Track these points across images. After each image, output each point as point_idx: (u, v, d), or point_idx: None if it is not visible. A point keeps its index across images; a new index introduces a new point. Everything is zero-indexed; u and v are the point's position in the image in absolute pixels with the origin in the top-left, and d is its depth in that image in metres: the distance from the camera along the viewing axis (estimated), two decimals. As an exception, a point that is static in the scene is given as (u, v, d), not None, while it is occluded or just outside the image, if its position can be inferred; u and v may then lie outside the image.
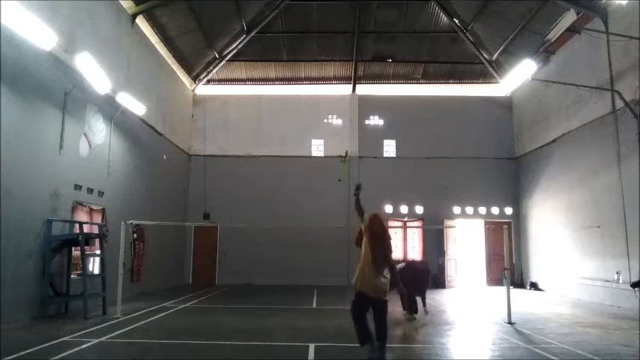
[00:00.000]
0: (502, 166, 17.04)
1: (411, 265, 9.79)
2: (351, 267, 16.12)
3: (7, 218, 7.18)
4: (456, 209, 16.81)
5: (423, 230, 16.76)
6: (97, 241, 9.64)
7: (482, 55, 16.57)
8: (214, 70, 17.28)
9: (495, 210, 16.79)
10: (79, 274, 8.99)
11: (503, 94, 17.44)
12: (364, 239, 5.51)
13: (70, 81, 8.92)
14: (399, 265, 9.54)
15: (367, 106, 17.61)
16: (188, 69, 16.39)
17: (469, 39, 16.28)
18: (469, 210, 16.78)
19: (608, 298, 11.20)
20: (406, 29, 16.35)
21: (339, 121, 17.60)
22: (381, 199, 16.80)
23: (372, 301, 5.37)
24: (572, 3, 12.03)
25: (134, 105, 11.32)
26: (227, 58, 16.92)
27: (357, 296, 5.45)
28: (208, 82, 17.68)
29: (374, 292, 5.32)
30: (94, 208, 10.07)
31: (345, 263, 15.94)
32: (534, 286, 15.07)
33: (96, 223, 9.95)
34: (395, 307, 10.57)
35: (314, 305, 11.12)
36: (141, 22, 12.51)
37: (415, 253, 16.82)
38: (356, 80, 17.70)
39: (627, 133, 10.68)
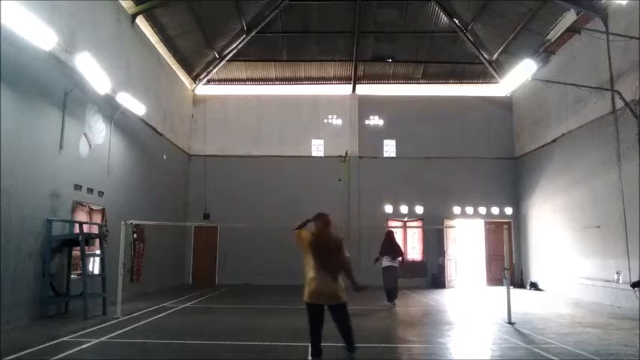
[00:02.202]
0: (502, 166, 17.04)
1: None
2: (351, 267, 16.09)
3: (7, 218, 7.18)
4: (456, 209, 16.81)
5: (423, 230, 16.77)
6: (97, 241, 9.64)
7: (482, 55, 16.57)
8: (214, 70, 17.28)
9: (495, 210, 16.80)
10: (79, 274, 8.99)
11: (503, 94, 17.43)
12: (306, 247, 5.20)
13: (70, 81, 8.91)
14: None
15: (367, 106, 17.61)
16: (188, 69, 16.40)
17: (469, 39, 16.28)
18: (469, 210, 16.78)
19: (608, 298, 11.20)
20: (406, 29, 16.35)
21: (339, 121, 17.60)
22: (381, 199, 16.83)
23: (330, 309, 5.14)
24: (572, 3, 12.03)
25: (134, 105, 11.31)
26: (227, 58, 16.92)
27: (308, 309, 5.22)
28: (208, 82, 17.68)
29: (327, 299, 5.09)
30: (94, 208, 10.07)
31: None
32: (534, 286, 15.06)
33: (96, 223, 9.95)
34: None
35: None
36: (141, 22, 12.51)
37: (415, 253, 16.82)
38: (356, 80, 17.70)
39: (627, 133, 10.67)
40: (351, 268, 5.23)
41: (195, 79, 17.26)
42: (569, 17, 12.49)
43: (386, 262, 10.86)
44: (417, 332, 7.67)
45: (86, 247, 8.74)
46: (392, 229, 11.91)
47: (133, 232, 11.76)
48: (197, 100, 17.59)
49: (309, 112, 17.66)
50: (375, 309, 10.60)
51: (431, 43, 16.90)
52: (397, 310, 10.42)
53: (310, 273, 5.09)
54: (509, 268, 9.24)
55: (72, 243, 8.73)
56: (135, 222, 9.93)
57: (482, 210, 16.78)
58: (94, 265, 9.91)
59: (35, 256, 7.94)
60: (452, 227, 16.39)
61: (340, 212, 16.50)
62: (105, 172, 10.58)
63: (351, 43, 16.62)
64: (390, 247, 10.97)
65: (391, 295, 10.77)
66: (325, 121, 17.65)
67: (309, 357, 5.29)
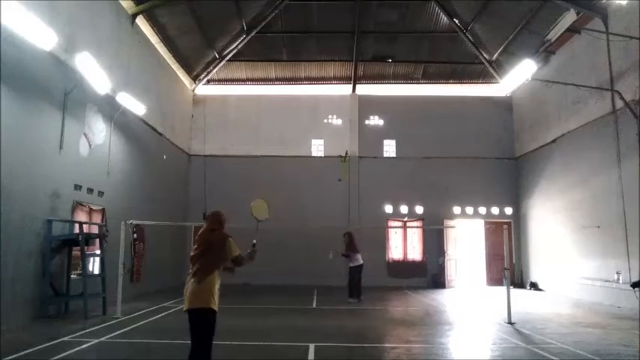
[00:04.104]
0: (502, 166, 17.04)
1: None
2: (351, 267, 16.15)
3: (7, 218, 7.18)
4: (456, 209, 16.80)
5: (423, 230, 16.76)
6: (97, 241, 9.65)
7: (482, 55, 16.57)
8: (214, 70, 17.28)
9: (495, 210, 16.79)
10: (79, 274, 8.99)
11: (503, 94, 17.43)
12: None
13: (70, 81, 8.91)
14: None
15: (367, 106, 17.61)
16: (188, 69, 16.40)
17: (469, 39, 16.28)
18: (469, 210, 16.78)
19: (608, 298, 11.20)
20: (406, 29, 16.35)
21: (339, 121, 17.60)
22: (381, 199, 16.83)
23: (195, 317, 4.27)
24: (572, 3, 12.03)
25: (134, 105, 11.32)
26: (227, 58, 16.92)
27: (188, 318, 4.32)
28: (208, 82, 17.68)
29: (189, 302, 4.27)
30: (94, 208, 10.07)
31: (345, 263, 15.93)
32: (534, 286, 15.07)
33: (96, 223, 9.95)
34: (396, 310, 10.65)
35: (314, 305, 11.13)
36: (141, 22, 12.51)
37: (415, 253, 16.83)
38: (356, 80, 17.70)
39: (627, 133, 10.68)
40: (242, 261, 4.68)
41: (195, 79, 17.26)
42: (569, 17, 12.50)
43: (361, 260, 11.87)
44: (417, 332, 7.67)
45: (86, 247, 8.75)
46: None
47: (133, 232, 11.76)
48: (197, 100, 17.59)
49: (309, 112, 17.66)
50: (374, 309, 10.62)
51: (431, 43, 16.90)
52: (397, 310, 10.47)
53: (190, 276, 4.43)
54: (509, 268, 9.24)
55: (72, 243, 8.74)
56: (135, 222, 9.92)
57: (483, 210, 16.78)
58: (94, 265, 9.91)
59: (35, 256, 7.94)
60: (452, 227, 16.38)
61: (340, 212, 16.53)
62: (105, 172, 10.58)
63: (351, 43, 16.61)
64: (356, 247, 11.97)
65: (352, 291, 11.74)
66: (325, 121, 17.65)
67: None
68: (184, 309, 4.29)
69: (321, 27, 16.33)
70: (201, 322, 4.27)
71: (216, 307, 4.32)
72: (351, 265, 11.88)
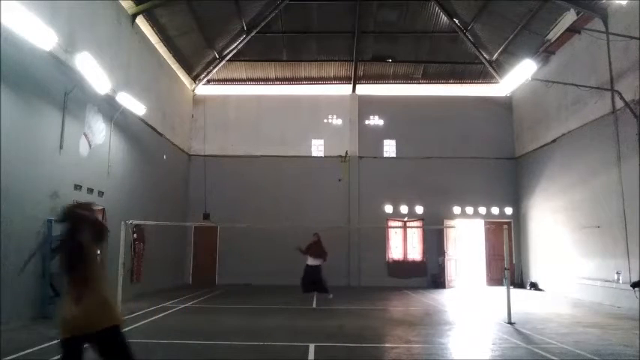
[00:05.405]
0: (502, 166, 17.05)
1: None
2: (352, 267, 16.17)
3: (7, 218, 7.18)
4: (456, 209, 16.81)
5: (423, 230, 16.77)
6: (97, 241, 9.62)
7: (482, 55, 16.57)
8: (214, 70, 17.28)
9: (495, 210, 16.80)
10: (79, 274, 8.97)
11: (503, 94, 17.43)
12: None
13: (70, 81, 8.91)
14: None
15: (367, 106, 17.61)
16: (188, 69, 16.40)
17: (469, 39, 16.28)
18: (469, 210, 16.78)
19: (608, 298, 11.20)
20: (406, 29, 16.36)
21: (339, 121, 17.60)
22: (381, 199, 16.83)
23: (95, 339, 3.08)
24: (572, 3, 12.04)
25: (134, 105, 11.32)
26: (227, 58, 16.93)
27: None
28: (208, 82, 17.68)
29: (89, 323, 3.05)
30: (94, 208, 10.07)
31: (345, 263, 15.99)
32: (534, 286, 15.07)
33: (96, 223, 9.93)
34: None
35: (314, 305, 11.12)
36: (141, 22, 12.51)
37: (415, 253, 16.84)
38: (356, 80, 17.70)
39: (627, 133, 10.68)
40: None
41: (195, 79, 17.26)
42: (569, 17, 12.50)
43: (317, 261, 11.76)
44: (417, 332, 7.67)
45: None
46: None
47: (133, 232, 11.76)
48: (197, 100, 17.59)
49: (309, 112, 17.66)
50: (374, 309, 10.62)
51: (431, 43, 16.91)
52: (397, 310, 10.47)
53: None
54: (509, 268, 9.23)
55: (72, 243, 8.72)
56: (135, 222, 9.92)
57: (483, 210, 16.78)
58: (94, 265, 9.89)
59: (35, 256, 7.93)
60: (452, 227, 16.39)
61: (340, 212, 16.53)
62: (105, 172, 10.58)
63: (351, 43, 16.62)
64: (321, 250, 11.92)
65: (326, 287, 11.72)
66: (325, 121, 17.65)
67: None
68: (75, 334, 3.03)
69: (321, 27, 16.34)
70: (112, 343, 3.14)
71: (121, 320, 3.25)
72: (317, 264, 11.80)
